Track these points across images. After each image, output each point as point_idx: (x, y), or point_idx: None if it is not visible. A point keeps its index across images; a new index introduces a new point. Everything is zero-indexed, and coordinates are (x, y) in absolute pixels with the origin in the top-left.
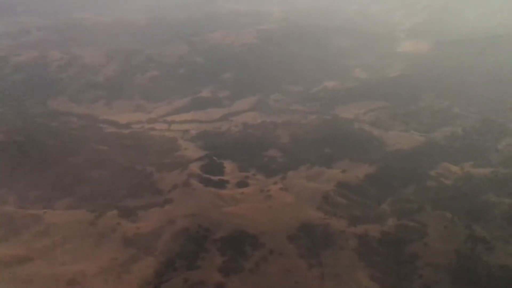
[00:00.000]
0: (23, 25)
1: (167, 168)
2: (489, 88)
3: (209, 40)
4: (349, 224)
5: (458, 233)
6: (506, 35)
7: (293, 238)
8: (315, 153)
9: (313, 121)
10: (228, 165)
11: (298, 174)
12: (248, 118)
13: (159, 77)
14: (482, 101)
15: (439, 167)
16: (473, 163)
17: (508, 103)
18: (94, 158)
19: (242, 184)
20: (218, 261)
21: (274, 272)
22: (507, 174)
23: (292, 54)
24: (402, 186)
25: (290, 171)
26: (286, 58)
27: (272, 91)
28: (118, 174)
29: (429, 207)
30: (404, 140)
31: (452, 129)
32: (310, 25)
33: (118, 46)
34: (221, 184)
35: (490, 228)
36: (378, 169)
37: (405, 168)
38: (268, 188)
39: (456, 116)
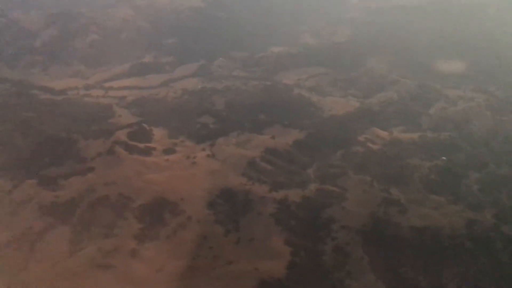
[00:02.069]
0: None
1: (94, 136)
2: (429, 54)
3: (155, 4)
4: (270, 190)
5: (374, 196)
6: (450, 2)
7: (213, 205)
8: (249, 120)
9: (253, 87)
10: (158, 132)
11: (228, 140)
12: (189, 84)
13: (100, 42)
14: (420, 67)
15: (368, 133)
16: (404, 127)
17: (446, 69)
18: (20, 126)
19: (169, 151)
20: (135, 228)
21: (190, 238)
22: (434, 138)
23: (240, 19)
24: (330, 152)
25: (220, 137)
26: (234, 23)
27: (216, 56)
28: (43, 142)
29: (352, 172)
30: (340, 105)
31: (388, 94)
32: None
33: (59, 9)
34: (147, 151)
35: (407, 191)
36: (308, 135)
37: (336, 134)
38: (195, 155)
39: (393, 82)
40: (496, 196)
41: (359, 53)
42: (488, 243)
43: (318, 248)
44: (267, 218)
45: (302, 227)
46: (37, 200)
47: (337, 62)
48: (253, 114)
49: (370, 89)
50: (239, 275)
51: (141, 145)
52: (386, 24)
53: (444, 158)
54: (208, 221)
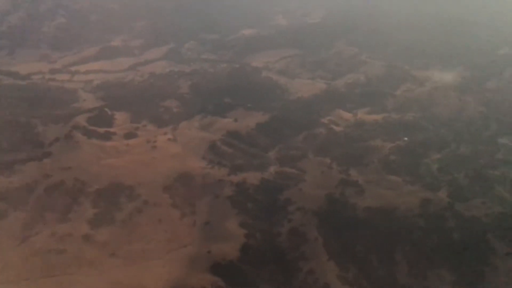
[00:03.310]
0: None
1: (54, 121)
2: (400, 35)
3: None
4: (229, 173)
5: (332, 177)
6: None
7: (170, 188)
8: (214, 103)
9: (221, 70)
10: (120, 116)
11: (191, 124)
12: (157, 67)
13: (68, 25)
14: (391, 48)
15: (332, 114)
16: (369, 109)
17: (416, 50)
18: None
19: (130, 135)
20: (90, 213)
21: (145, 222)
22: (398, 119)
23: (212, 1)
24: (293, 134)
25: (184, 121)
26: (206, 5)
27: (186, 39)
28: (1, 127)
29: (312, 154)
30: (307, 88)
31: (355, 76)
32: None
33: None
34: (107, 136)
35: (365, 172)
36: (272, 118)
37: (300, 116)
38: (156, 139)
39: (362, 63)
40: (454, 175)
41: (331, 34)
42: (441, 221)
43: (273, 230)
44: (224, 201)
45: (258, 209)
46: None
47: (308, 43)
48: (219, 97)
49: (338, 71)
50: (193, 258)
51: (101, 130)
52: (360, 5)
53: (406, 138)
54: (164, 205)
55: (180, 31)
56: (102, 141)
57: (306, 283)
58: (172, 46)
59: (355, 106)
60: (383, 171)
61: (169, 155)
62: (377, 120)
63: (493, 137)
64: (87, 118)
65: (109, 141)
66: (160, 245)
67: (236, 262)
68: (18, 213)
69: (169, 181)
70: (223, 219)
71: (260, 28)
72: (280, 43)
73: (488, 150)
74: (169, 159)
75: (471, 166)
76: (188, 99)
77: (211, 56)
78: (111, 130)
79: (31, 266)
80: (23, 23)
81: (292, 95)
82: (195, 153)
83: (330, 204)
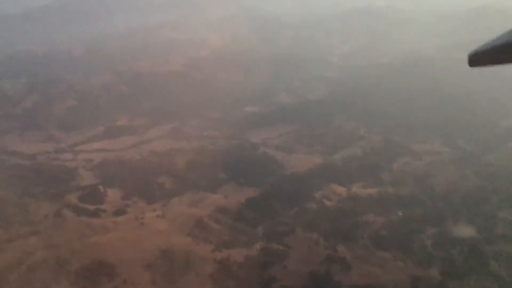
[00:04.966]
0: None
1: (47, 199)
2: (396, 109)
3: (136, 69)
4: (213, 250)
5: (318, 254)
6: (424, 58)
7: (152, 266)
8: (207, 179)
9: (220, 147)
10: (112, 193)
11: (181, 200)
12: (158, 145)
13: (78, 107)
14: (387, 122)
15: (325, 189)
16: (364, 183)
17: (414, 124)
18: None
19: (119, 212)
20: None
21: None
22: (393, 193)
23: (218, 81)
24: (283, 210)
25: (175, 197)
26: (212, 85)
27: (190, 118)
28: None
29: (300, 229)
30: (303, 162)
31: (353, 150)
32: (244, 52)
33: (46, 77)
34: (96, 213)
35: (354, 248)
36: (263, 193)
37: (292, 191)
38: (144, 215)
39: (359, 138)
40: (449, 252)
41: (330, 110)
42: None
43: None
44: (205, 279)
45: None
46: None
47: (308, 119)
48: (213, 173)
49: (336, 145)
50: None
51: (91, 207)
52: (359, 81)
53: (400, 213)
54: (143, 283)
55: (185, 109)
56: (91, 218)
57: None
58: (176, 124)
59: (350, 180)
60: (372, 247)
61: (155, 232)
62: (372, 194)
63: (492, 211)
64: (79, 196)
65: (97, 218)
66: None
67: None
68: None
69: (151, 259)
70: None
71: (263, 106)
72: (281, 120)
73: (486, 224)
74: (155, 236)
75: (467, 242)
76: (183, 176)
77: (213, 133)
78: (101, 207)
79: None
80: (36, 105)
81: (287, 170)
82: (181, 229)
83: (315, 281)
